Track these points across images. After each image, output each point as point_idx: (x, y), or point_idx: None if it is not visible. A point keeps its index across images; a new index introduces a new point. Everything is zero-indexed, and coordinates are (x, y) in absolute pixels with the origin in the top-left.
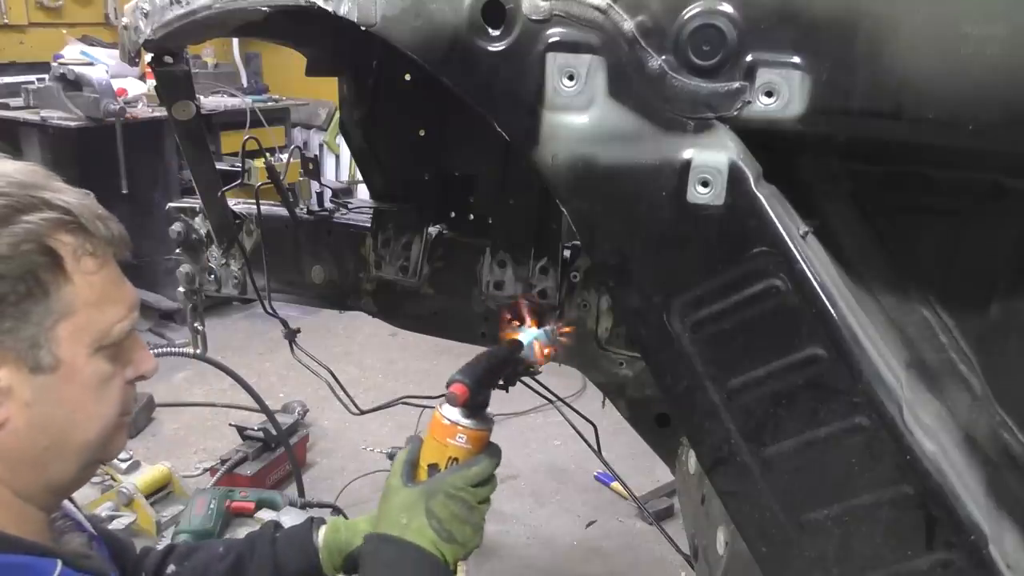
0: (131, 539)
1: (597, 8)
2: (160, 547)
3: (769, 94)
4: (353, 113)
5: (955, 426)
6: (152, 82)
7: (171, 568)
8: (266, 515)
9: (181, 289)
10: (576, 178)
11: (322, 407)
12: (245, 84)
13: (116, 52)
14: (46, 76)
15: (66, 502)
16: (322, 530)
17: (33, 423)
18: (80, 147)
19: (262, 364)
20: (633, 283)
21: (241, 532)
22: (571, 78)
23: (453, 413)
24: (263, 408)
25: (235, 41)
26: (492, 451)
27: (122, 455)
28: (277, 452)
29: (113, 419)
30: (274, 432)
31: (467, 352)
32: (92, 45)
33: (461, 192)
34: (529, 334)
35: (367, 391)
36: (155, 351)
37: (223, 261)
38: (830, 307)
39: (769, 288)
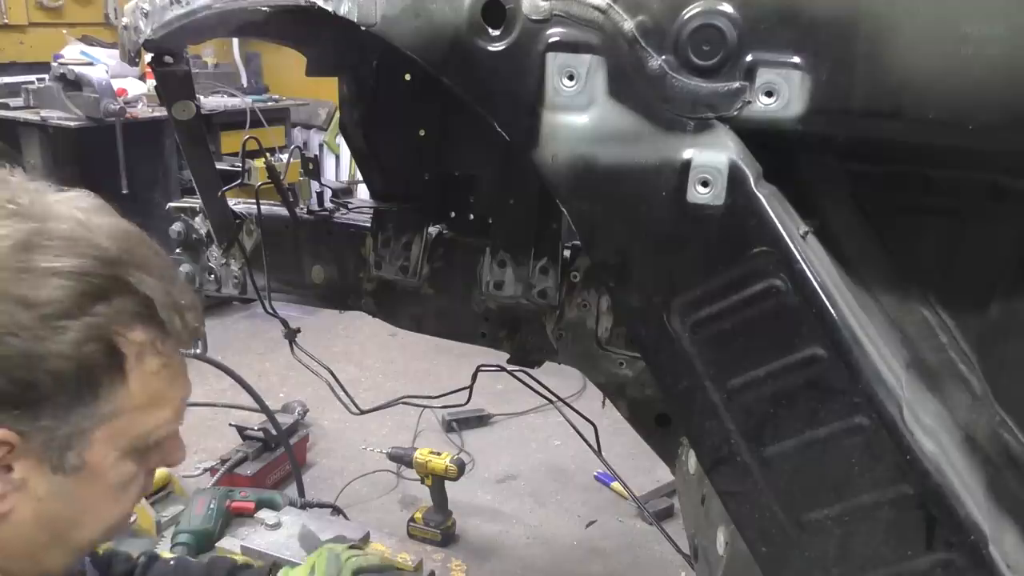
0: (115, 552)
1: (597, 8)
2: (141, 559)
3: (769, 94)
4: (353, 113)
5: (955, 426)
6: (152, 82)
7: None
8: (266, 515)
9: None
10: (576, 178)
11: (322, 407)
12: (245, 84)
13: (116, 52)
14: (46, 76)
15: None
16: None
17: (39, 518)
18: (80, 147)
19: (262, 364)
20: (633, 283)
21: (241, 532)
22: (571, 78)
23: None
24: (263, 408)
25: (235, 41)
26: None
27: None
28: (277, 452)
29: (124, 516)
30: (274, 432)
31: (467, 352)
32: (92, 45)
33: (461, 192)
34: None
35: (367, 391)
36: None
37: (223, 261)
38: (830, 307)
39: (769, 288)
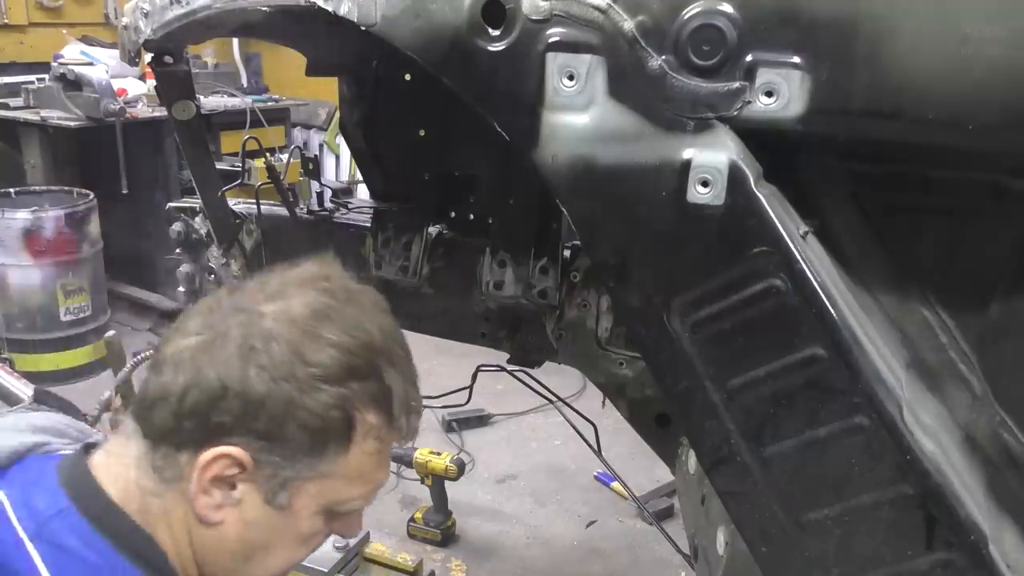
0: None
1: (597, 8)
2: None
3: (769, 94)
4: (353, 113)
5: (955, 426)
6: (152, 82)
7: None
8: None
9: (181, 289)
10: (576, 178)
11: None
12: (245, 84)
13: (116, 52)
14: (46, 76)
15: None
16: None
17: (241, 538)
18: (80, 147)
19: None
20: (633, 283)
21: None
22: (571, 78)
23: None
24: None
25: (235, 41)
26: None
27: None
28: None
29: (294, 563)
30: None
31: (467, 352)
32: (92, 45)
33: (461, 192)
34: None
35: None
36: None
37: (223, 261)
38: (830, 307)
39: (769, 288)
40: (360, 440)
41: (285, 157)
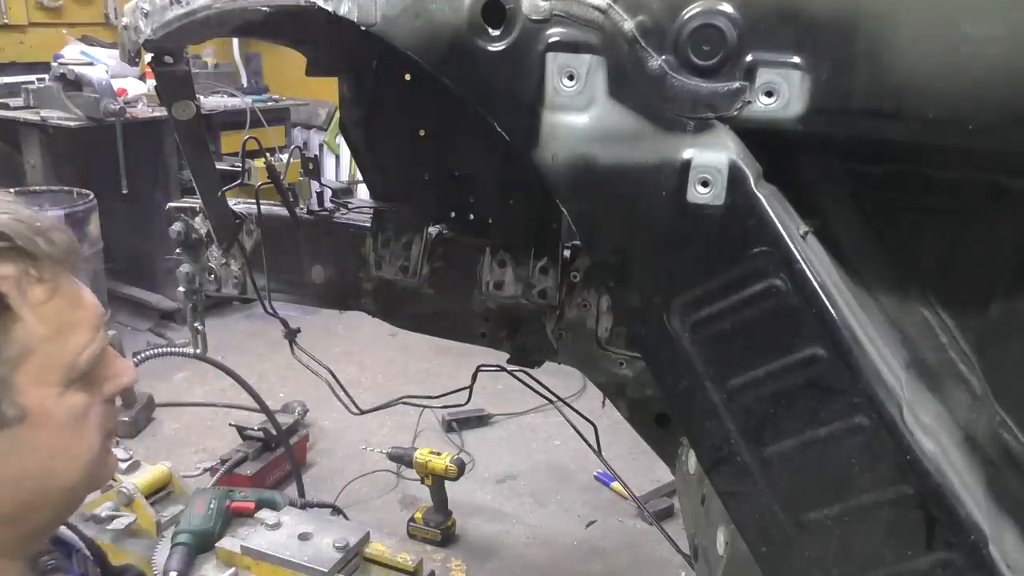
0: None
1: (597, 8)
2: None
3: (769, 94)
4: (353, 113)
5: (955, 426)
6: (152, 82)
7: None
8: (266, 515)
9: (181, 289)
10: (576, 178)
11: (322, 407)
12: (245, 84)
13: (116, 52)
14: (46, 76)
15: None
16: None
17: (6, 481)
18: (80, 147)
19: (262, 364)
20: (633, 283)
21: (241, 532)
22: (571, 78)
23: None
24: (263, 408)
25: (235, 41)
26: None
27: (122, 455)
28: (277, 452)
29: (97, 449)
30: (274, 432)
31: (467, 352)
32: (92, 45)
33: (461, 192)
34: None
35: (367, 391)
36: (155, 351)
37: (223, 261)
38: (830, 307)
39: (769, 288)
40: (19, 297)
41: (285, 157)
